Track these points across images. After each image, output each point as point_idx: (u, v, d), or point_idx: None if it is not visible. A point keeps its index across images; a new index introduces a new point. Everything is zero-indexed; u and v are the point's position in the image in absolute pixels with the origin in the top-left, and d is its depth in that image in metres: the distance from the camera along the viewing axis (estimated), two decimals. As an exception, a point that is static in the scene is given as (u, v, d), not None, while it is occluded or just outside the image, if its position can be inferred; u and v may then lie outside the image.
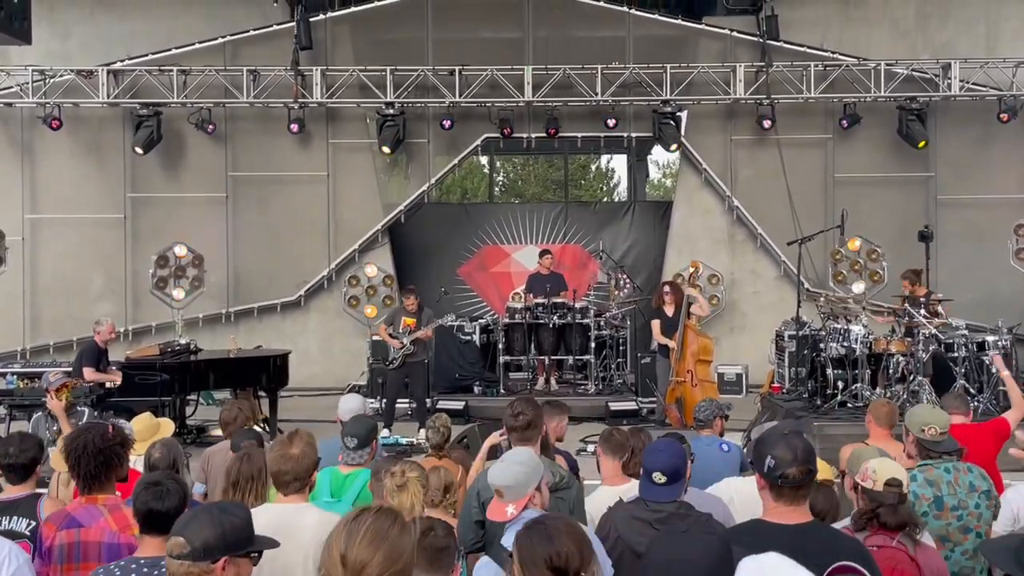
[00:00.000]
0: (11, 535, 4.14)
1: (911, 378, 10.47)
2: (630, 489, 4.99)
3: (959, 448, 4.95)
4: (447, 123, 15.15)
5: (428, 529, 3.16)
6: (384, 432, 11.10)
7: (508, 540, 3.70)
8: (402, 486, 4.17)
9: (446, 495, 4.83)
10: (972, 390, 10.29)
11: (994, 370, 9.13)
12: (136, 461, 5.46)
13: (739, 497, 4.78)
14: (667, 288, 12.44)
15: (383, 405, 12.11)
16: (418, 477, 4.25)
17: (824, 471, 5.99)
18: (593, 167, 35.34)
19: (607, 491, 4.98)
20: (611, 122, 15.19)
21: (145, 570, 3.32)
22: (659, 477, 3.97)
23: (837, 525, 4.12)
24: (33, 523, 4.26)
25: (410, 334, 11.52)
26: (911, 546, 3.79)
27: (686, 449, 4.42)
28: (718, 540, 3.15)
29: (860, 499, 4.03)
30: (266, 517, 4.00)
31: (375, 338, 13.44)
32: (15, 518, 4.35)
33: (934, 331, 10.64)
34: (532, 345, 13.22)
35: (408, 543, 2.54)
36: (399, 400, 12.01)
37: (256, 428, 7.16)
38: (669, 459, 4.03)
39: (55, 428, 7.94)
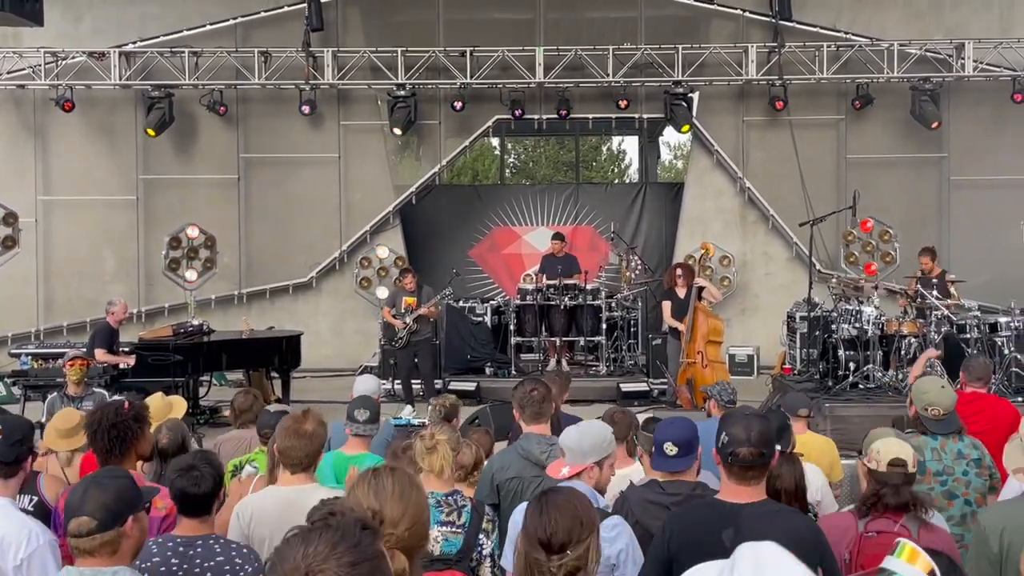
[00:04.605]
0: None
1: (923, 359, 10.45)
2: (636, 472, 5.01)
3: (959, 427, 4.89)
4: (458, 104, 15.14)
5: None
6: (407, 408, 11.13)
7: None
8: (432, 448, 4.12)
9: (474, 472, 4.85)
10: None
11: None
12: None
13: None
14: (678, 270, 12.43)
15: (394, 386, 12.21)
16: (448, 439, 4.18)
17: (834, 467, 5.94)
18: (604, 148, 35.25)
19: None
20: (623, 103, 15.16)
21: (181, 549, 3.48)
22: (670, 448, 3.97)
23: (845, 510, 4.11)
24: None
25: (412, 312, 11.65)
26: (915, 528, 3.72)
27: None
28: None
29: (868, 482, 3.96)
30: (274, 499, 4.00)
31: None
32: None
33: (947, 312, 10.63)
34: (543, 326, 13.22)
35: (425, 501, 2.68)
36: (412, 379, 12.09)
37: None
38: (679, 431, 4.04)
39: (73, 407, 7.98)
